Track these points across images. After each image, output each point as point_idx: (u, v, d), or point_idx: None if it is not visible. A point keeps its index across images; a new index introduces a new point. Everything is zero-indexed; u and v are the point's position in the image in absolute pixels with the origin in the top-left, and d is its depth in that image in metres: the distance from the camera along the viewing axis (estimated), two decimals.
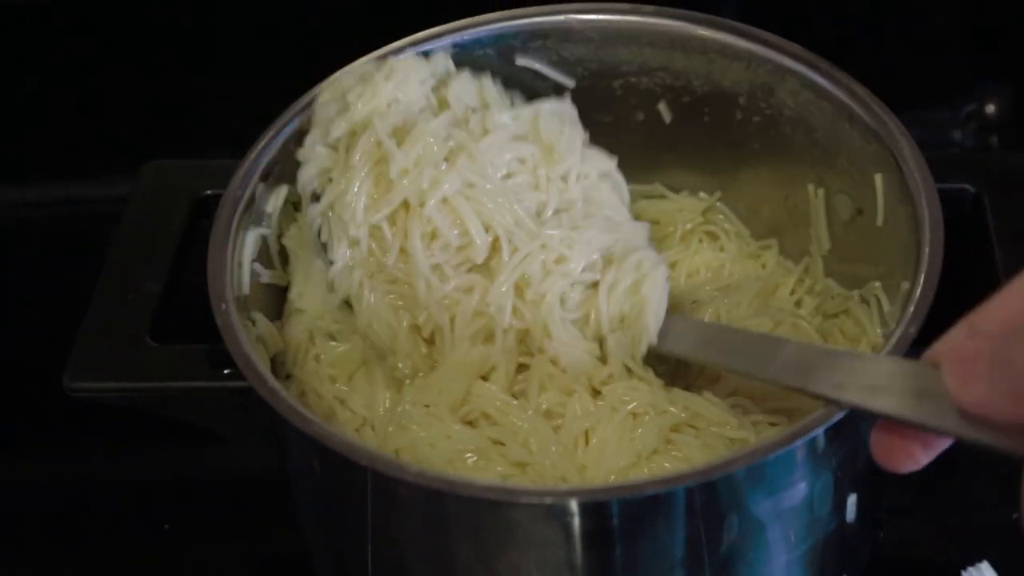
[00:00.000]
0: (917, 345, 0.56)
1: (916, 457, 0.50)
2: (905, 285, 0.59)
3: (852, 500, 0.60)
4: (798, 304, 0.70)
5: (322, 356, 0.67)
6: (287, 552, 0.71)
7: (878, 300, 0.65)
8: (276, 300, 0.68)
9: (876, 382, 0.52)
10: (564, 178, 0.65)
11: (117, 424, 0.73)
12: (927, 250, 0.59)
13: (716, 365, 0.63)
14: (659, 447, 0.60)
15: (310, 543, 0.67)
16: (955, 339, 0.48)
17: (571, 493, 0.54)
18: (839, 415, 0.53)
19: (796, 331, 0.66)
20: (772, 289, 0.70)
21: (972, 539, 0.67)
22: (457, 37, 0.71)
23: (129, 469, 0.77)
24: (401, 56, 0.68)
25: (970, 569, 0.66)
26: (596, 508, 0.53)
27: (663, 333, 0.63)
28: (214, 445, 0.73)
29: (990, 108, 0.92)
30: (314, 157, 0.65)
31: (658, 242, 0.73)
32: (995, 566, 0.65)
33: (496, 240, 0.62)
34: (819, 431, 0.53)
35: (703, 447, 0.59)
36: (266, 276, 0.67)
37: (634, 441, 0.60)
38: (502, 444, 0.61)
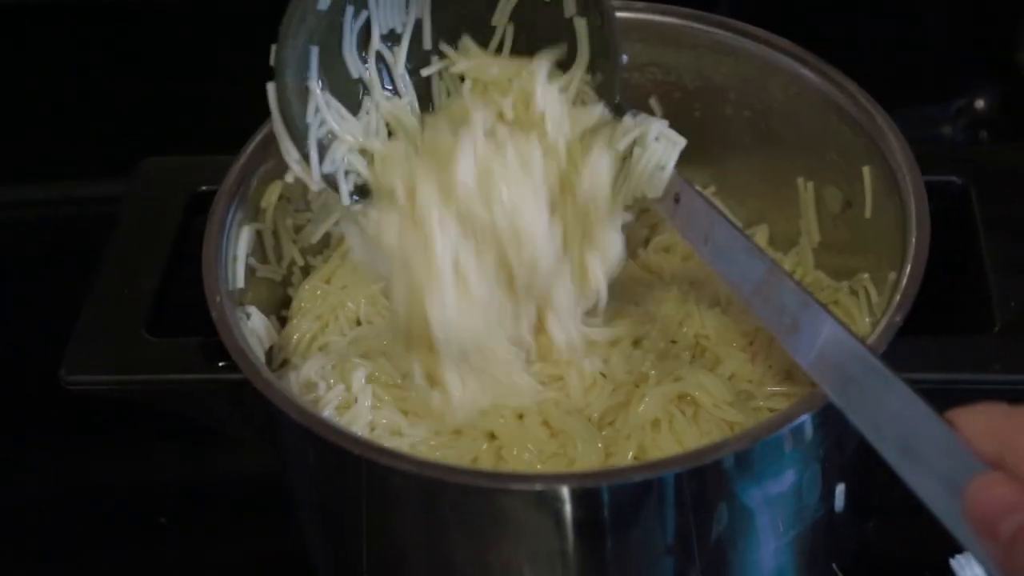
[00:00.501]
0: (903, 333, 0.57)
1: None
2: (893, 275, 0.60)
3: (840, 489, 0.60)
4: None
5: (330, 343, 0.68)
6: (285, 548, 0.72)
7: (867, 291, 0.66)
8: (270, 294, 0.69)
9: (910, 440, 0.47)
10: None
11: (116, 420, 0.73)
12: (913, 240, 0.60)
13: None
14: (661, 416, 0.61)
15: (307, 535, 0.67)
16: (989, 430, 0.44)
17: (560, 479, 0.55)
18: (825, 402, 0.54)
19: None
20: None
21: None
22: None
23: (127, 465, 0.77)
24: None
25: (958, 557, 0.67)
26: (586, 493, 0.54)
27: (669, 195, 0.62)
28: (212, 442, 0.74)
29: (979, 103, 0.93)
30: None
31: (650, 228, 0.74)
32: None
33: None
34: (806, 417, 0.54)
35: (698, 430, 0.60)
36: (261, 270, 0.68)
37: (641, 405, 0.61)
38: None
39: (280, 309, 0.70)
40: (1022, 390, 0.59)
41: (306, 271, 0.71)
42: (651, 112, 0.73)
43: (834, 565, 0.65)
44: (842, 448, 0.59)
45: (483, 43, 0.65)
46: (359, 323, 0.70)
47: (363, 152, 0.63)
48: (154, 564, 0.72)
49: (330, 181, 0.62)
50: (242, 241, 0.66)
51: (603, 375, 0.64)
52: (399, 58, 0.65)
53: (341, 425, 0.59)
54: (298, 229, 0.70)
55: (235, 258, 0.65)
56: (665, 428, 0.60)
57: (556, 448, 0.61)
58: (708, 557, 0.57)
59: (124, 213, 0.71)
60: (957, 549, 0.65)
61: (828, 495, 0.60)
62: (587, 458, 0.60)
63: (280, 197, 0.68)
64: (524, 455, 0.61)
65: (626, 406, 0.62)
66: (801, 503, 0.58)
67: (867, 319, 0.65)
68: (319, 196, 0.71)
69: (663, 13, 0.71)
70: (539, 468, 0.61)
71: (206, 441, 0.73)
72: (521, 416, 0.62)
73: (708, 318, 0.67)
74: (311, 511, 0.65)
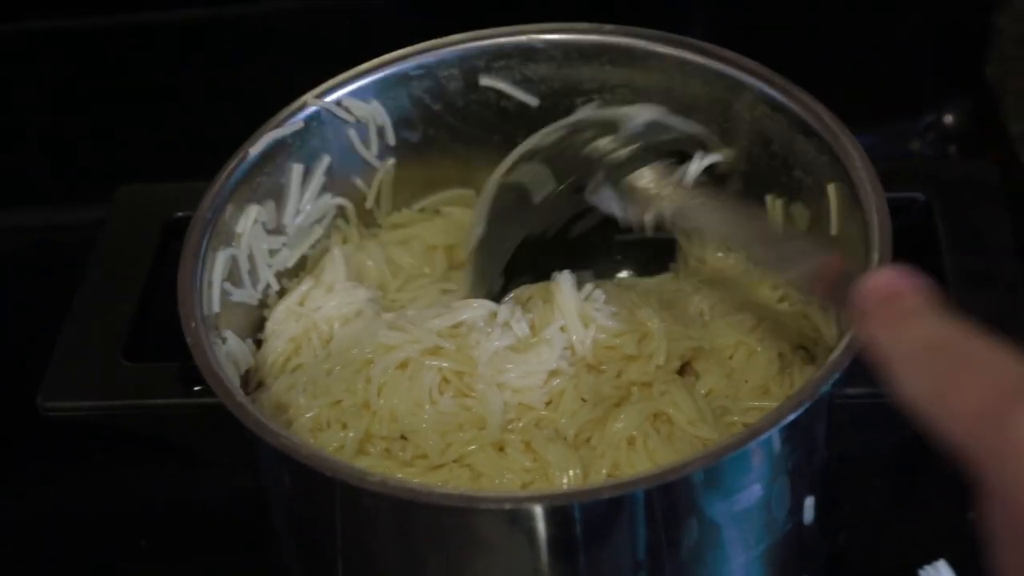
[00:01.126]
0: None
1: None
2: None
3: (809, 502, 0.61)
4: (782, 300, 0.71)
5: (304, 363, 0.68)
6: (263, 568, 0.72)
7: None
8: (247, 318, 0.70)
9: None
10: None
11: (94, 443, 0.74)
12: (876, 257, 0.61)
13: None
14: (637, 434, 0.62)
15: (284, 557, 0.68)
16: None
17: (531, 498, 0.56)
18: (791, 416, 0.55)
19: (777, 328, 0.67)
20: (754, 285, 0.71)
21: (928, 539, 0.69)
22: (423, 59, 0.73)
23: (105, 488, 0.77)
24: None
25: (927, 568, 0.67)
26: (556, 512, 0.54)
27: None
28: (191, 464, 0.73)
29: (948, 118, 0.94)
30: None
31: None
32: (952, 564, 0.67)
33: None
34: (773, 431, 0.55)
35: (672, 448, 0.61)
36: (236, 295, 0.68)
37: (618, 423, 0.62)
38: None
39: (256, 332, 0.71)
40: None
41: (282, 295, 0.72)
42: None
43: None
44: (810, 461, 0.59)
45: None
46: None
47: None
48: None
49: None
50: (217, 266, 0.66)
51: (583, 399, 0.64)
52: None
53: (315, 448, 0.60)
54: (273, 253, 0.71)
55: (210, 283, 0.65)
56: (640, 446, 0.61)
57: (536, 475, 0.61)
58: (679, 571, 0.58)
59: (101, 240, 0.72)
60: (926, 560, 0.67)
61: (797, 508, 0.60)
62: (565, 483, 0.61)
63: (255, 222, 0.69)
64: (503, 483, 0.62)
65: (602, 423, 0.63)
66: (770, 517, 0.59)
67: (834, 332, 0.66)
68: (294, 221, 0.72)
69: (633, 35, 0.72)
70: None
71: (185, 463, 0.73)
72: (502, 448, 0.63)
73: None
74: (288, 532, 0.66)
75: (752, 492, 0.57)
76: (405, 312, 0.69)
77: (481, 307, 0.67)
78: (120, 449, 0.74)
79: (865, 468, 0.70)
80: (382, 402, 0.63)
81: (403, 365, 0.64)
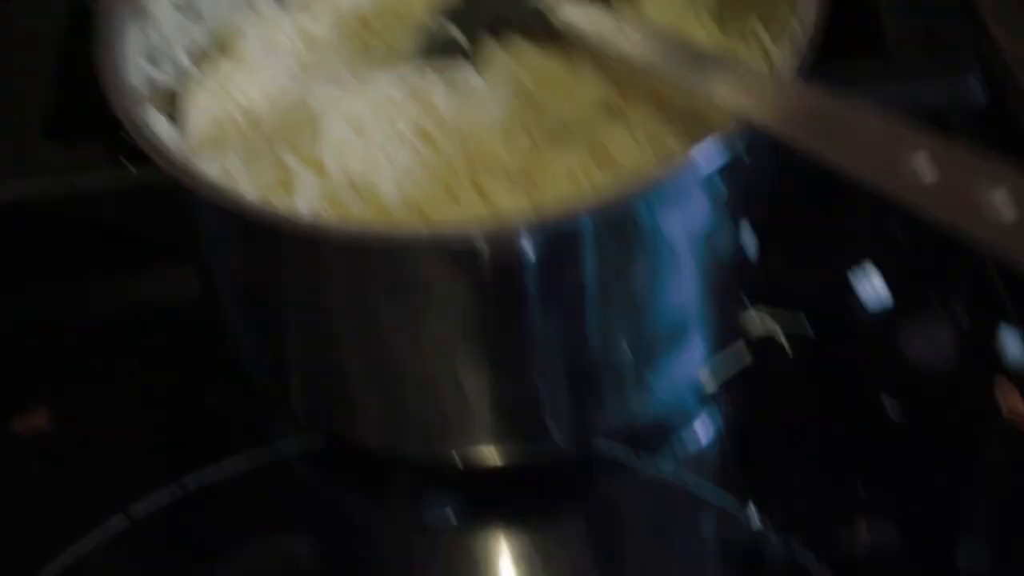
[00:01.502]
0: None
1: None
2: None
3: (746, 227, 0.63)
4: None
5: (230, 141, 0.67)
6: (217, 364, 0.71)
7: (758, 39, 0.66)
8: (163, 99, 0.68)
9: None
10: None
11: (32, 255, 0.72)
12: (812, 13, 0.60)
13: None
14: (579, 169, 0.62)
15: (238, 344, 0.67)
16: None
17: (478, 233, 0.55)
18: (730, 142, 0.56)
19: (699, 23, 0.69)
20: None
21: (854, 245, 0.73)
22: None
23: (45, 302, 0.76)
24: None
25: (855, 269, 0.72)
26: (503, 243, 0.55)
27: None
28: (131, 272, 0.73)
29: None
30: None
31: None
32: (875, 263, 0.72)
33: None
34: (711, 157, 0.56)
35: (613, 180, 0.61)
36: (152, 72, 0.66)
37: (560, 157, 0.62)
38: None
39: (171, 113, 0.69)
40: None
41: (197, 74, 0.70)
42: None
43: (742, 294, 0.68)
44: (746, 188, 0.60)
45: None
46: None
47: None
48: (87, 398, 0.72)
49: None
50: (132, 42, 0.64)
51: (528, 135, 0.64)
52: None
53: (266, 203, 0.59)
54: (186, 32, 0.70)
55: (127, 58, 0.63)
56: (582, 180, 0.61)
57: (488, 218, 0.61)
58: (626, 300, 0.59)
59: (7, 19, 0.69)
60: (853, 263, 0.71)
61: (734, 232, 0.62)
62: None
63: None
64: None
65: (545, 160, 0.62)
66: (709, 240, 0.60)
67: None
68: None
69: None
70: None
71: (124, 270, 0.72)
72: (455, 195, 0.62)
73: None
74: (237, 314, 0.65)
75: (693, 218, 0.58)
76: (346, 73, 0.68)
77: (429, 67, 0.67)
78: (54, 259, 0.72)
79: (793, 190, 0.71)
80: (335, 161, 0.61)
81: (356, 119, 0.63)
